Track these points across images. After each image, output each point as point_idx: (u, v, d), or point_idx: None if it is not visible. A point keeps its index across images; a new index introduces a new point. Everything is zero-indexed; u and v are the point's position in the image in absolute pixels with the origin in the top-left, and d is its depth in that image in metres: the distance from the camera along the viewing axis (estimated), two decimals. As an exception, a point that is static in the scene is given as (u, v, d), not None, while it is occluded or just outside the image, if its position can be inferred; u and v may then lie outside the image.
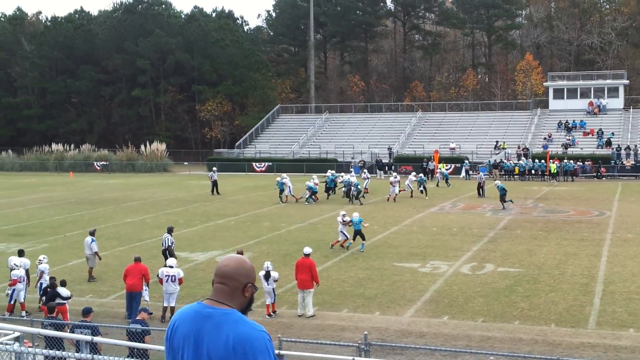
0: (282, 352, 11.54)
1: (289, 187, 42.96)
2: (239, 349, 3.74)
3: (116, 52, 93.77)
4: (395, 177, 43.35)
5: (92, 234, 22.99)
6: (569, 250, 25.89)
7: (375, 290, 20.47)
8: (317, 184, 43.08)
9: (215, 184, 48.07)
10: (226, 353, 3.76)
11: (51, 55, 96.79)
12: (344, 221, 26.51)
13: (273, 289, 18.15)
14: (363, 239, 26.44)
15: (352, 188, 41.85)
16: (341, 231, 26.72)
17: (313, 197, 41.90)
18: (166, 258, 21.53)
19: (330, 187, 44.46)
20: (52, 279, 17.85)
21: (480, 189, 44.49)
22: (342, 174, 47.75)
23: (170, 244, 22.13)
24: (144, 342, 13.12)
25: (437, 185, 51.80)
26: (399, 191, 43.19)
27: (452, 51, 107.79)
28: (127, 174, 74.42)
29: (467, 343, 15.78)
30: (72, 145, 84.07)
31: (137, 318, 14.28)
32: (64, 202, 45.22)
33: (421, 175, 46.55)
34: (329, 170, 47.97)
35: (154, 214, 38.07)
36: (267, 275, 17.97)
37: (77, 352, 10.89)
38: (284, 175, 44.76)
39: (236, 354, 3.74)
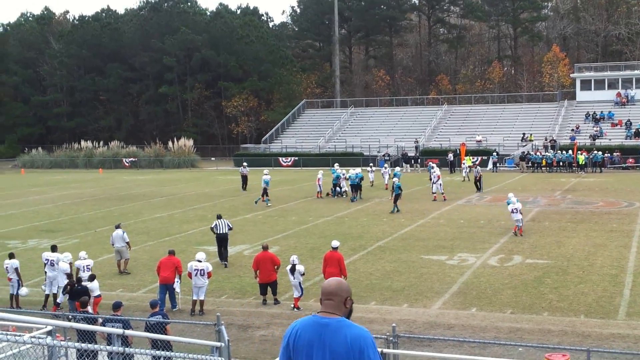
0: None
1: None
2: (356, 345, 4.93)
3: (143, 50, 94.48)
4: (434, 171, 40.31)
5: (119, 227, 23.27)
6: (598, 242, 25.70)
7: (403, 282, 20.49)
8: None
9: (245, 178, 48.06)
10: (346, 349, 4.94)
11: (79, 54, 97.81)
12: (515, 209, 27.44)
13: (300, 282, 18.26)
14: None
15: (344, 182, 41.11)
16: (517, 219, 27.51)
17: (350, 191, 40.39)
18: (220, 247, 22.98)
19: (336, 183, 42.10)
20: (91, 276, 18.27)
21: (477, 183, 43.02)
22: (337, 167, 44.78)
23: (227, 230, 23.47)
24: (166, 333, 13.42)
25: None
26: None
27: (478, 44, 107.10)
28: (156, 170, 75.02)
29: (496, 334, 15.77)
30: (101, 142, 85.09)
31: (154, 311, 14.58)
32: (93, 198, 45.75)
33: (397, 168, 44.81)
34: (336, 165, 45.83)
35: (182, 209, 38.38)
36: (293, 269, 18.14)
37: (109, 345, 11.07)
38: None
39: (353, 348, 4.93)
